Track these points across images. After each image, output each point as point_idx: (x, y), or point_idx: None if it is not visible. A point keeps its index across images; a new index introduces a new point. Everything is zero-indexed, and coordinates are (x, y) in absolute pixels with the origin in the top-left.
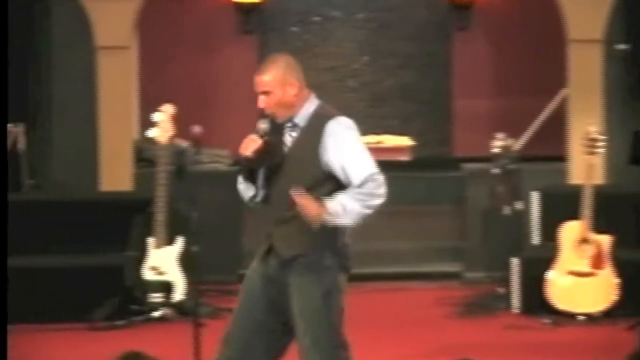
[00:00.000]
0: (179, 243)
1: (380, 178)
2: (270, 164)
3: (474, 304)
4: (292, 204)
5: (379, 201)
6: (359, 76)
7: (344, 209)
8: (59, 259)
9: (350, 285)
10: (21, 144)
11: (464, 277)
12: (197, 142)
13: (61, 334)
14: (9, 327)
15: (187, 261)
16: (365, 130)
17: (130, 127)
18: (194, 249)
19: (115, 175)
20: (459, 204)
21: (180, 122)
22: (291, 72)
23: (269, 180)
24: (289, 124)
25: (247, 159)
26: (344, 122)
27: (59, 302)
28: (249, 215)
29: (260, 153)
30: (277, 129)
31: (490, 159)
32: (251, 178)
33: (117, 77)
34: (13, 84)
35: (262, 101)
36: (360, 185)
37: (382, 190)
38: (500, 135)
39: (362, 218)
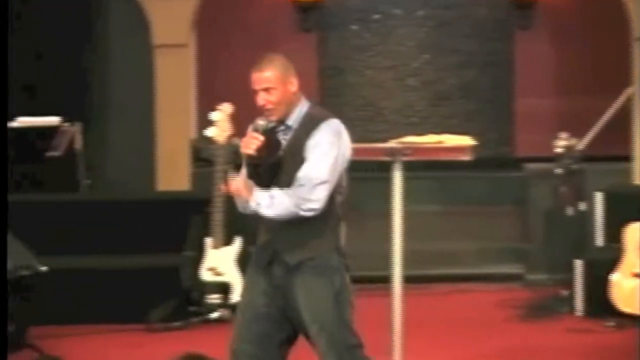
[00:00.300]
0: (237, 243)
1: (320, 188)
2: (275, 159)
3: (535, 306)
4: None
5: (311, 206)
6: (420, 75)
7: (272, 199)
8: (116, 259)
9: (410, 287)
10: (78, 144)
11: (526, 279)
12: None
13: (118, 335)
14: (68, 329)
15: (245, 262)
16: (425, 130)
17: (188, 126)
18: (252, 249)
19: (173, 175)
20: (521, 204)
21: (238, 121)
22: (290, 69)
23: (262, 186)
24: (282, 127)
25: (252, 157)
26: (334, 126)
27: (115, 303)
28: None
29: (264, 149)
30: (270, 133)
31: (553, 158)
32: (255, 176)
33: (175, 75)
34: (70, 84)
35: (262, 98)
36: (299, 184)
37: (315, 197)
38: (563, 134)
39: (289, 215)
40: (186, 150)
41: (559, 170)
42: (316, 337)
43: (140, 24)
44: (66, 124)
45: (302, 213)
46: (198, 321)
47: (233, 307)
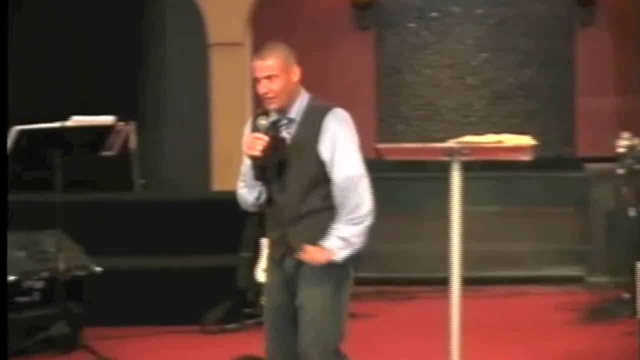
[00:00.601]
0: None
1: (362, 181)
2: (281, 159)
3: (596, 309)
4: (304, 200)
5: (365, 209)
6: (479, 73)
7: (346, 241)
8: (170, 260)
9: (468, 289)
10: (132, 143)
11: (587, 281)
12: None
13: (172, 337)
14: (122, 330)
15: None
16: (484, 129)
17: (244, 125)
18: None
19: (228, 175)
20: (582, 205)
21: None
22: (293, 58)
23: (269, 182)
24: (284, 121)
25: (257, 158)
26: (341, 115)
27: (170, 305)
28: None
29: (270, 149)
30: (273, 131)
31: (614, 158)
32: (263, 177)
33: (230, 74)
34: (124, 82)
35: (264, 86)
36: (341, 195)
37: (363, 199)
38: (625, 134)
39: (365, 233)
40: (242, 150)
41: (620, 171)
42: (306, 328)
43: (195, 23)
44: (121, 123)
45: (368, 221)
46: (253, 323)
47: None
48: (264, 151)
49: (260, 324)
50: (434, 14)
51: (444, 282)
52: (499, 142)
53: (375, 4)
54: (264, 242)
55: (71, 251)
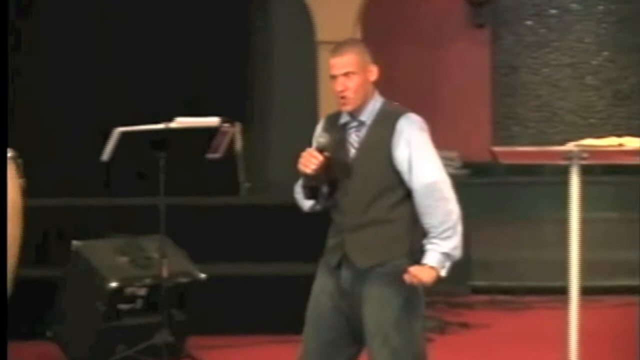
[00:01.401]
0: None
1: (446, 186)
2: (332, 180)
3: None
4: (367, 208)
5: (456, 214)
6: (599, 73)
7: (447, 256)
8: (277, 266)
9: (587, 299)
10: (238, 145)
11: None
12: None
13: (278, 347)
14: (227, 339)
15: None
16: (605, 132)
17: None
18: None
19: None
20: None
21: None
22: (369, 56)
23: (335, 185)
24: (354, 123)
25: (308, 177)
26: (416, 120)
27: (277, 313)
28: (476, 223)
29: (322, 170)
30: (338, 130)
31: None
32: (312, 195)
33: None
34: (230, 82)
35: (341, 83)
36: (423, 197)
37: (448, 196)
38: None
39: (459, 236)
40: None
41: None
42: (378, 352)
43: (303, 21)
44: (226, 125)
45: (460, 227)
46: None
47: None
48: (315, 171)
49: None
50: (553, 11)
51: (562, 291)
52: (620, 145)
53: (491, 1)
54: None
55: (175, 257)
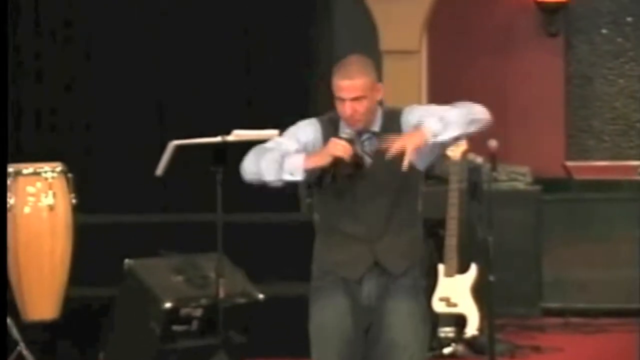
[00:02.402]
0: (473, 271)
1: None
2: (354, 174)
3: None
4: (390, 215)
5: (481, 110)
6: None
7: (444, 122)
8: None
9: None
10: None
11: None
12: (493, 157)
13: None
14: None
15: (481, 291)
16: None
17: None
18: (490, 277)
19: None
20: None
21: (475, 136)
22: (376, 74)
23: (355, 197)
24: (367, 135)
25: (341, 162)
26: (410, 108)
27: None
28: (548, 241)
29: (352, 159)
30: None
31: None
32: (319, 184)
33: (404, 84)
34: (291, 92)
35: (350, 108)
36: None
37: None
38: None
39: (471, 125)
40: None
41: None
42: None
43: (367, 29)
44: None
45: (478, 118)
46: (430, 356)
47: (468, 342)
48: (350, 158)
49: (437, 357)
50: (629, 19)
51: (639, 314)
52: None
53: (564, 9)
54: (441, 269)
55: (232, 276)
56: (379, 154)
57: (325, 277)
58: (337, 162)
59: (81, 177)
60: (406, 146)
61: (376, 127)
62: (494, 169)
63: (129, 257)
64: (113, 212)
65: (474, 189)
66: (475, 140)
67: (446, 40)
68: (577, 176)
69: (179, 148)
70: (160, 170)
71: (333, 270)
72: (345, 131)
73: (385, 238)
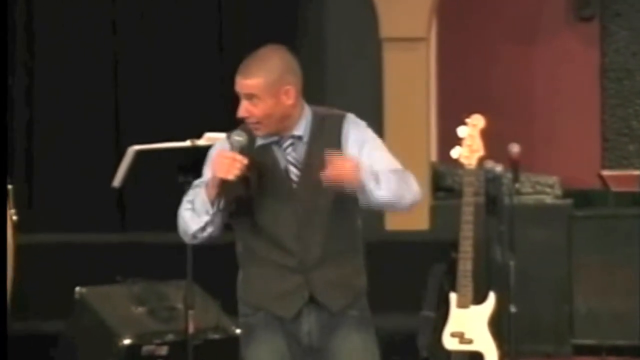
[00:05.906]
0: (491, 301)
1: (409, 175)
2: (253, 192)
3: None
4: (327, 239)
5: (414, 191)
6: None
7: (375, 175)
8: None
9: None
10: None
11: None
12: (516, 165)
13: None
14: None
15: (501, 325)
16: None
17: (426, 144)
18: (512, 309)
19: None
20: None
21: (494, 139)
22: (288, 74)
23: (273, 214)
24: (289, 141)
25: (231, 185)
26: (357, 120)
27: None
28: (580, 265)
29: (249, 172)
30: (265, 147)
31: None
32: (239, 211)
33: (410, 78)
34: None
35: (244, 109)
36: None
37: (411, 183)
38: None
39: (398, 197)
40: (425, 176)
41: None
42: None
43: (365, 13)
44: None
45: (409, 195)
46: None
47: None
48: (243, 176)
49: None
50: None
51: None
52: None
53: None
54: (453, 298)
55: (204, 308)
56: (308, 163)
57: (257, 314)
58: (222, 183)
59: (22, 190)
60: (342, 179)
61: (300, 131)
62: (516, 179)
63: (81, 284)
64: (61, 230)
65: (492, 203)
66: (494, 145)
67: (459, 26)
68: (615, 188)
69: (139, 154)
70: (117, 181)
71: (265, 307)
72: (237, 132)
73: (323, 267)
